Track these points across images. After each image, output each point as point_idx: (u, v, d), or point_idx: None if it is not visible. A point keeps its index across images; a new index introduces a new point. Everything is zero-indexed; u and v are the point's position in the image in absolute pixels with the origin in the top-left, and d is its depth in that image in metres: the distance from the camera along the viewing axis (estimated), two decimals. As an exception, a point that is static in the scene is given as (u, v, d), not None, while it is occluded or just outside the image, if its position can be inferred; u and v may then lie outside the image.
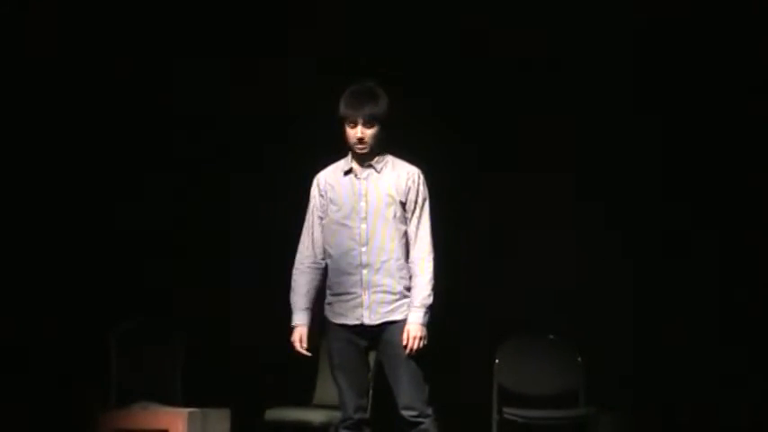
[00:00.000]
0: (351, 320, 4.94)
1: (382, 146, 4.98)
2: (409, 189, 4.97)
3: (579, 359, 6.60)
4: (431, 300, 4.91)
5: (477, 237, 6.88)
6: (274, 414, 6.45)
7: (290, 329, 5.02)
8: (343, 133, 4.97)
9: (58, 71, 6.88)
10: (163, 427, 6.12)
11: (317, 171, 5.08)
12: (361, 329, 4.93)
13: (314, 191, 5.05)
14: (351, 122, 4.93)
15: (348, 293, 4.94)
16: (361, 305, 4.91)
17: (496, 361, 6.60)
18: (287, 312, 5.34)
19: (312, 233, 5.02)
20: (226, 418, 6.28)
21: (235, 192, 7.03)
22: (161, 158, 7.03)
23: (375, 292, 4.91)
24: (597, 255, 6.78)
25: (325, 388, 6.55)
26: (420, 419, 4.88)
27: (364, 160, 4.98)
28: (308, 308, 5.00)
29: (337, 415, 6.22)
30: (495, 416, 6.44)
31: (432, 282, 4.92)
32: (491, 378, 6.56)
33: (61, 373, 6.69)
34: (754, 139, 6.66)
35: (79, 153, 6.95)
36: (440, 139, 6.76)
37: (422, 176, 5.01)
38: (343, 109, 4.95)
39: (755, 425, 6.46)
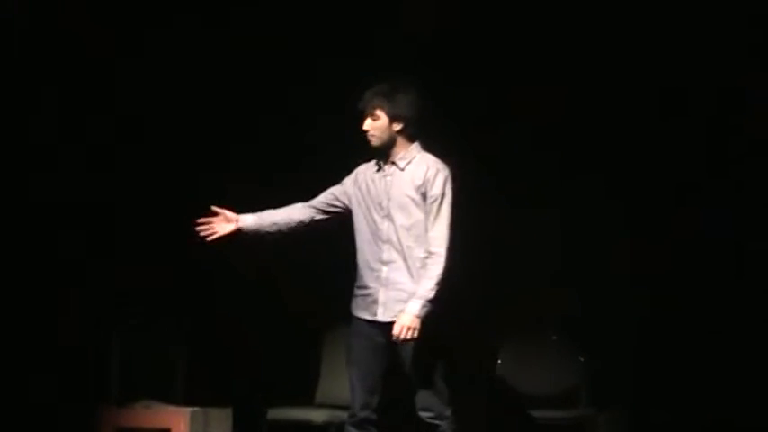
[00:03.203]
0: (368, 315, 4.98)
1: (392, 142, 5.01)
2: (427, 184, 4.96)
3: (581, 359, 6.60)
4: (432, 294, 4.86)
5: (480, 237, 6.88)
6: (276, 413, 6.44)
7: None
8: None
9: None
10: (165, 425, 6.13)
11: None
12: (378, 326, 4.94)
13: (350, 177, 5.13)
14: (362, 115, 5.02)
15: (368, 288, 4.97)
16: (376, 302, 4.94)
17: (498, 361, 6.61)
18: (290, 311, 5.41)
19: (319, 196, 5.14)
20: (228, 417, 6.29)
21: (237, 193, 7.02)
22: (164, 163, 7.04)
23: (392, 289, 4.93)
24: (604, 255, 6.78)
25: (328, 387, 6.55)
26: (437, 422, 4.90)
27: (377, 155, 5.04)
28: (259, 217, 5.13)
29: (339, 415, 6.27)
30: (496, 416, 6.45)
31: (438, 278, 4.87)
32: (493, 378, 6.56)
33: (63, 371, 6.68)
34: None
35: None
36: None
37: (443, 173, 4.98)
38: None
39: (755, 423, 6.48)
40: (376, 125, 5.00)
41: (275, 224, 5.15)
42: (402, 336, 4.82)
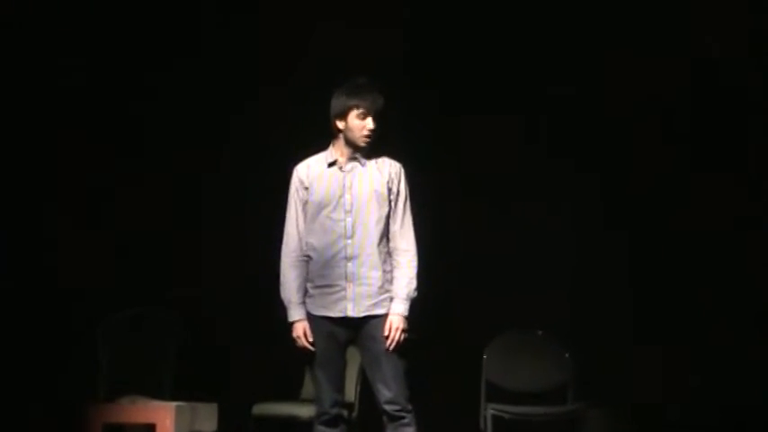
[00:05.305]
0: (334, 313, 4.95)
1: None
2: (392, 183, 4.99)
3: (567, 355, 6.60)
4: (415, 292, 4.95)
5: (466, 233, 6.89)
6: (262, 408, 6.46)
7: (289, 326, 4.98)
8: (336, 123, 4.98)
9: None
10: (151, 420, 6.13)
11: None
12: (344, 322, 4.94)
13: (295, 183, 5.03)
14: (362, 114, 4.94)
15: (332, 286, 4.94)
16: (345, 298, 4.92)
17: (485, 357, 6.60)
18: (275, 306, 5.35)
19: (297, 226, 5.00)
20: (213, 412, 6.28)
21: (229, 190, 7.04)
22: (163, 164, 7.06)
23: (360, 284, 4.92)
24: (588, 251, 6.79)
25: (313, 383, 6.56)
26: (403, 413, 4.91)
27: (360, 153, 4.99)
28: (302, 302, 4.99)
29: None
30: (483, 412, 6.44)
31: (416, 275, 4.96)
32: (479, 374, 6.56)
33: (49, 366, 6.68)
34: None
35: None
36: (436, 142, 6.82)
37: (403, 171, 5.04)
38: (357, 100, 4.94)
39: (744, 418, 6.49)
40: (376, 125, 4.97)
41: (304, 292, 5.01)
42: (396, 339, 4.87)
